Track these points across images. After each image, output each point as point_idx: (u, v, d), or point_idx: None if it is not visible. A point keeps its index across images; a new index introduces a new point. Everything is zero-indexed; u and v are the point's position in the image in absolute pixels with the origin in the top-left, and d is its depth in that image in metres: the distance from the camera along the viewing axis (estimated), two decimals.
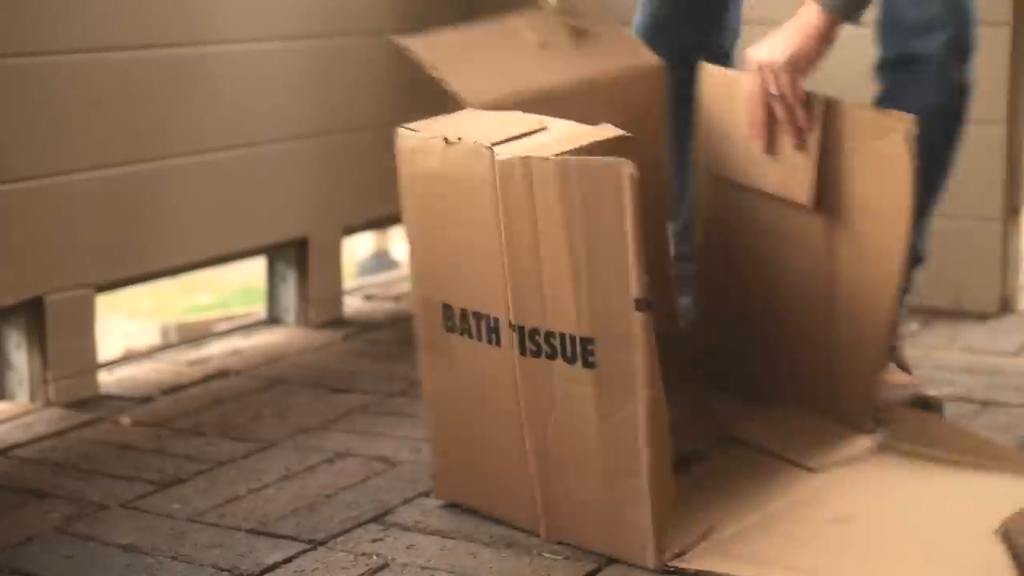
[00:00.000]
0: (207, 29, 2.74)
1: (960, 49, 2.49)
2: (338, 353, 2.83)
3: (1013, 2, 2.91)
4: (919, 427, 2.07)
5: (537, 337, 1.82)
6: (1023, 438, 2.23)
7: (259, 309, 3.19)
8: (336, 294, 3.10)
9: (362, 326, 3.03)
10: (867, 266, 2.01)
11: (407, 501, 2.02)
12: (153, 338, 4.48)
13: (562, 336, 1.79)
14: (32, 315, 2.48)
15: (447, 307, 1.92)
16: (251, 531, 1.92)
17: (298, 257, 3.03)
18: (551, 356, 1.81)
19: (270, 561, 1.82)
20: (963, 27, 2.50)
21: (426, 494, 2.04)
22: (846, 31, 2.10)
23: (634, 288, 1.71)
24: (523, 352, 1.84)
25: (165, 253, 2.72)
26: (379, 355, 2.80)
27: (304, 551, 1.85)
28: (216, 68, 2.76)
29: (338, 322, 3.06)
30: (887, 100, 2.28)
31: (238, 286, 5.57)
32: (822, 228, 2.07)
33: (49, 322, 2.48)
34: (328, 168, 3.04)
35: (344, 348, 2.87)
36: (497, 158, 1.80)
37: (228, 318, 3.47)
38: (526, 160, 1.78)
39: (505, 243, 1.82)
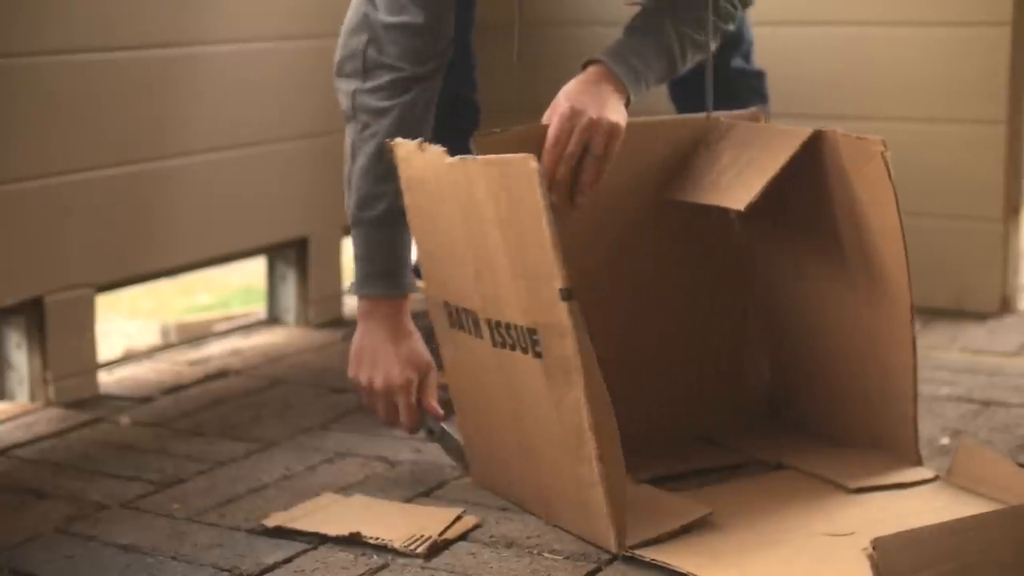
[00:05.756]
0: (206, 29, 2.74)
1: (747, 52, 2.56)
2: (338, 353, 2.82)
3: (1013, 2, 2.91)
4: (980, 464, 1.97)
5: (501, 329, 1.86)
6: (1023, 438, 2.23)
7: (259, 309, 3.19)
8: (336, 294, 3.10)
9: None
10: (881, 289, 1.98)
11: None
12: (153, 338, 4.46)
13: (517, 328, 1.83)
14: (32, 315, 2.48)
15: (446, 304, 1.98)
16: (251, 531, 1.92)
17: (298, 257, 3.03)
18: (513, 348, 1.85)
19: (270, 561, 1.82)
20: (745, 32, 2.57)
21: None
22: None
23: (558, 279, 1.73)
24: (494, 343, 1.89)
25: (165, 253, 2.72)
26: None
27: (304, 551, 1.85)
28: (215, 68, 2.76)
29: (338, 322, 3.06)
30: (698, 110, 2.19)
31: (238, 286, 5.55)
32: (842, 261, 2.05)
33: (49, 322, 2.48)
34: (328, 168, 3.04)
35: (344, 348, 2.86)
36: (445, 162, 1.85)
37: (228, 318, 3.46)
38: (464, 162, 1.82)
39: (467, 242, 1.87)
